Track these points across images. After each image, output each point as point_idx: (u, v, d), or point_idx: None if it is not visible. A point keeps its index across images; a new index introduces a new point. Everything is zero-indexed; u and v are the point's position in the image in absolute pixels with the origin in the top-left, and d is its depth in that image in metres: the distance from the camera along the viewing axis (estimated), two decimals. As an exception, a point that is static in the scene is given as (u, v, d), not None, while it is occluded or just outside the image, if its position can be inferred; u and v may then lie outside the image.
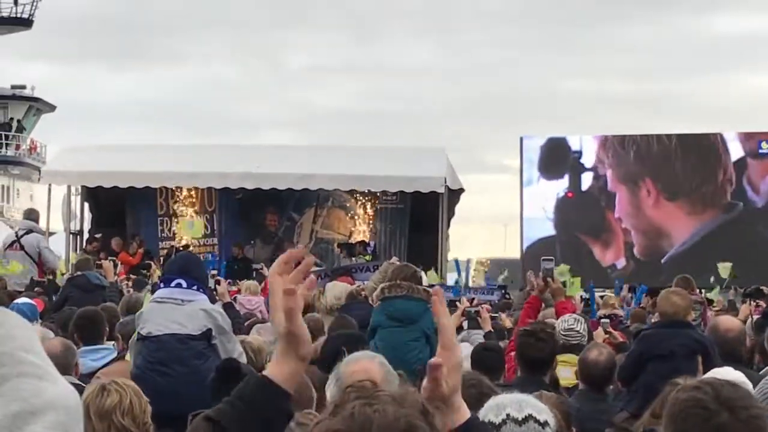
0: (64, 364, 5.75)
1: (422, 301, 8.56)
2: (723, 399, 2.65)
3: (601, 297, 15.91)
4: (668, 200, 23.58)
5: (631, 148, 23.90)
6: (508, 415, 3.38)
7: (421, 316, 8.36)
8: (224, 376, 4.66)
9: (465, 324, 9.79)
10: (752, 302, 12.59)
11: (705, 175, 23.56)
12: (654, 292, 17.74)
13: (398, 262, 10.37)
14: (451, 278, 21.65)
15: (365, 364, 4.01)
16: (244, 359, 6.87)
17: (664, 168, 23.59)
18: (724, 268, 18.15)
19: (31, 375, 1.31)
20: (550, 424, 3.42)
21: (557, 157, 24.18)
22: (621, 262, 23.77)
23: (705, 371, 6.12)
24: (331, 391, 3.98)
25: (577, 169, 24.09)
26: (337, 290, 10.50)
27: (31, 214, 13.73)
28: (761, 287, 15.63)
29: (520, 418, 3.37)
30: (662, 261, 23.42)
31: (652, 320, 9.77)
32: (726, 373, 4.10)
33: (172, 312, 6.87)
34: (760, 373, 6.14)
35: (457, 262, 18.34)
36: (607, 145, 24.12)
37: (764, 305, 12.87)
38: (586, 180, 24.14)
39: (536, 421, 3.38)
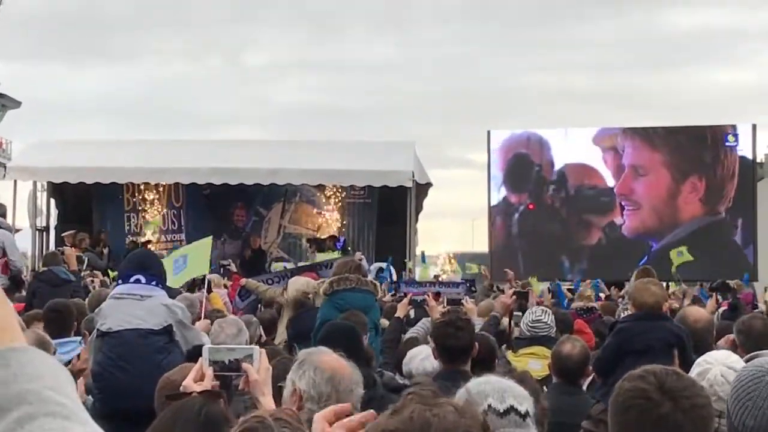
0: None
1: (370, 293, 8.60)
2: (666, 389, 2.59)
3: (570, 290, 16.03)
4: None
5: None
6: (489, 405, 3.30)
7: (371, 308, 8.40)
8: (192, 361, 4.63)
9: (412, 313, 9.81)
10: (717, 296, 12.69)
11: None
12: (615, 284, 17.87)
13: (362, 257, 10.33)
14: (419, 273, 21.69)
15: (335, 356, 4.06)
16: None
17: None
18: (679, 253, 18.14)
19: (59, 415, 1.29)
20: (530, 414, 3.35)
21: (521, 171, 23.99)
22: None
23: (681, 364, 6.17)
24: (306, 379, 3.95)
25: (540, 181, 23.92)
26: (299, 283, 10.46)
27: (-1, 209, 13.60)
28: (727, 281, 15.79)
29: (501, 410, 3.30)
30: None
31: (624, 312, 9.84)
32: (726, 356, 4.09)
33: (132, 307, 6.78)
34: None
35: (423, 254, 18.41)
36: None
37: (730, 299, 13.00)
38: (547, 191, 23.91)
39: (517, 413, 3.32)
